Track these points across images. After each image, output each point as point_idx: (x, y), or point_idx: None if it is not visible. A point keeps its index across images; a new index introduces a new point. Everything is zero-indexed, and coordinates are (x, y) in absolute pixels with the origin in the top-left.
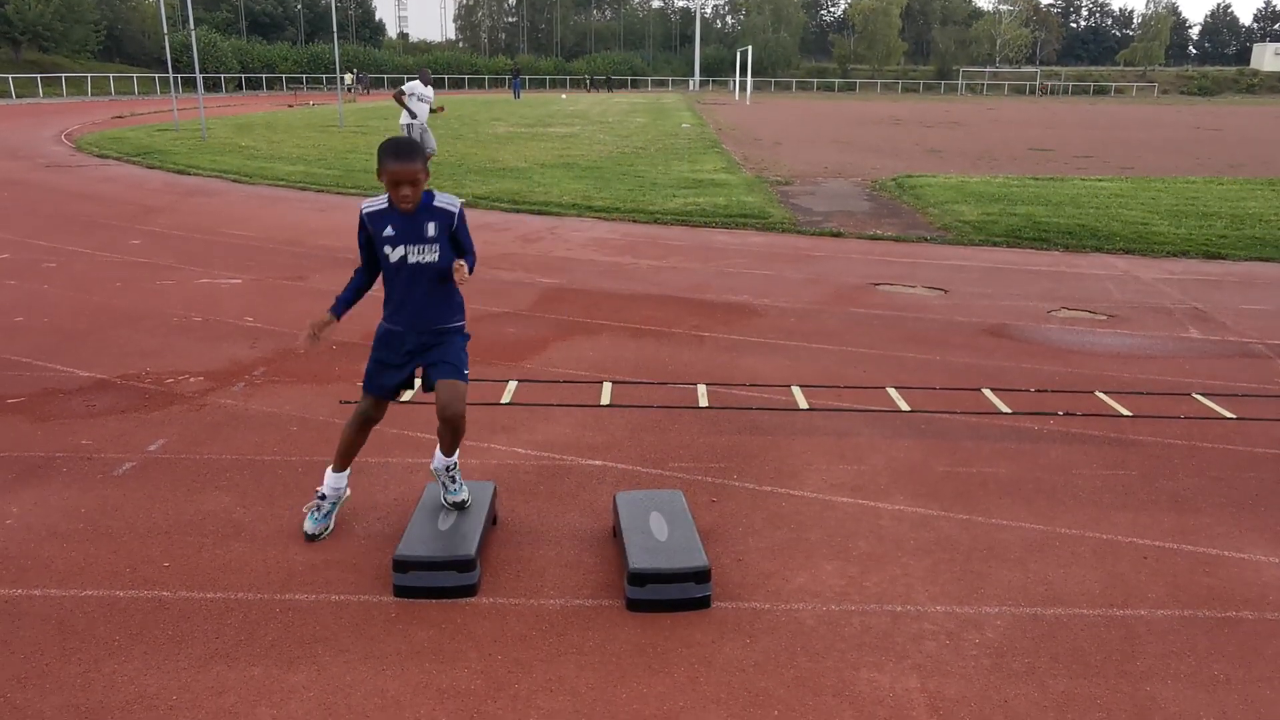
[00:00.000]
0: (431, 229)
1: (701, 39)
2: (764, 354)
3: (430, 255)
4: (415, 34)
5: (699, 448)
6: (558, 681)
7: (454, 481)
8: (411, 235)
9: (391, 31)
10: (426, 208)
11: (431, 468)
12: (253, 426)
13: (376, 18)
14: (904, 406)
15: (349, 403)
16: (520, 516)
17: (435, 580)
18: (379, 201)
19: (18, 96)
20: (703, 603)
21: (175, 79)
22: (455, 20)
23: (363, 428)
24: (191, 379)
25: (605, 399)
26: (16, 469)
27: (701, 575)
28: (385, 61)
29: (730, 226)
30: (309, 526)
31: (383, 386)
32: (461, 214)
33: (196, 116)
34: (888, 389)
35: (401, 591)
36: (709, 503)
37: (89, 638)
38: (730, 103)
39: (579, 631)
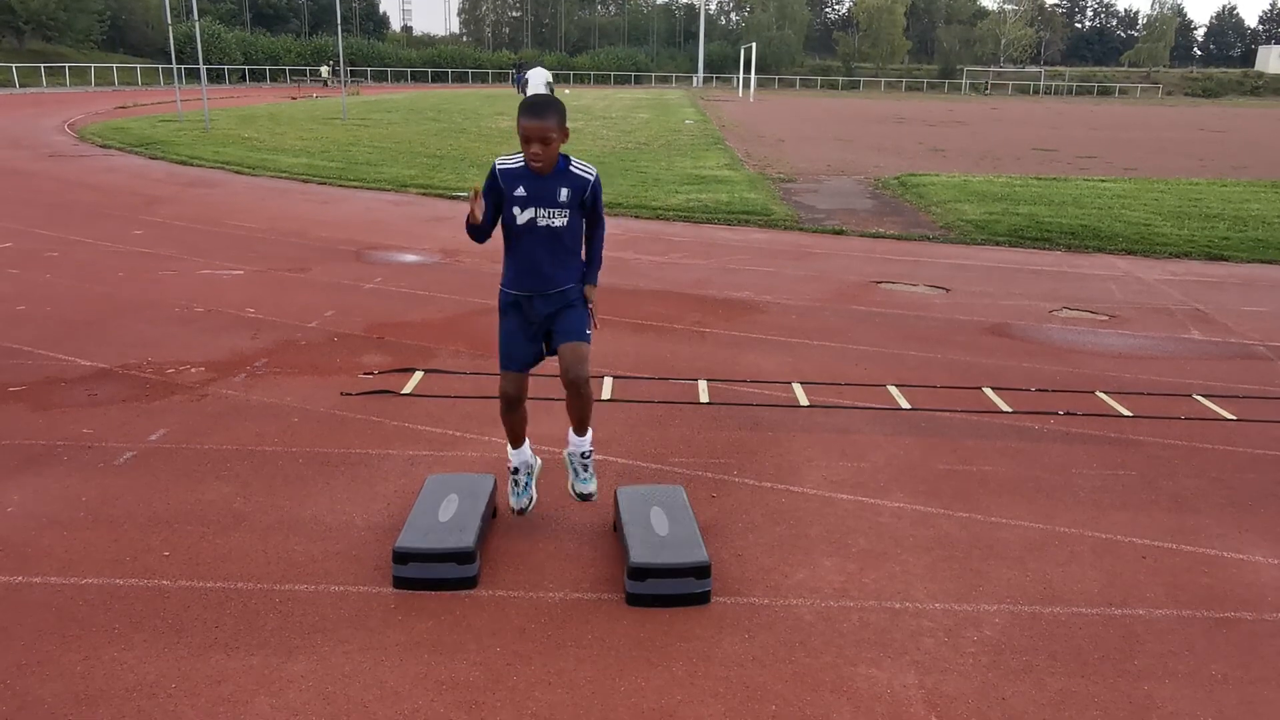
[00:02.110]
0: (564, 194)
1: (705, 35)
2: (765, 350)
3: (559, 219)
4: (419, 28)
5: (699, 443)
6: (556, 674)
7: (585, 470)
8: (543, 198)
9: (395, 25)
10: (562, 172)
11: (565, 453)
12: (254, 417)
13: (380, 11)
14: (904, 404)
15: (349, 394)
16: None
17: (434, 572)
18: (515, 159)
19: (21, 86)
20: (703, 598)
21: (179, 70)
22: (459, 14)
23: (512, 409)
24: (193, 369)
25: (606, 394)
26: (18, 457)
27: (702, 571)
28: (388, 55)
29: (733, 223)
30: (514, 503)
31: (519, 360)
32: (597, 182)
33: (200, 107)
34: (888, 387)
35: (401, 583)
36: (709, 498)
37: (89, 625)
38: (734, 99)
39: (578, 625)
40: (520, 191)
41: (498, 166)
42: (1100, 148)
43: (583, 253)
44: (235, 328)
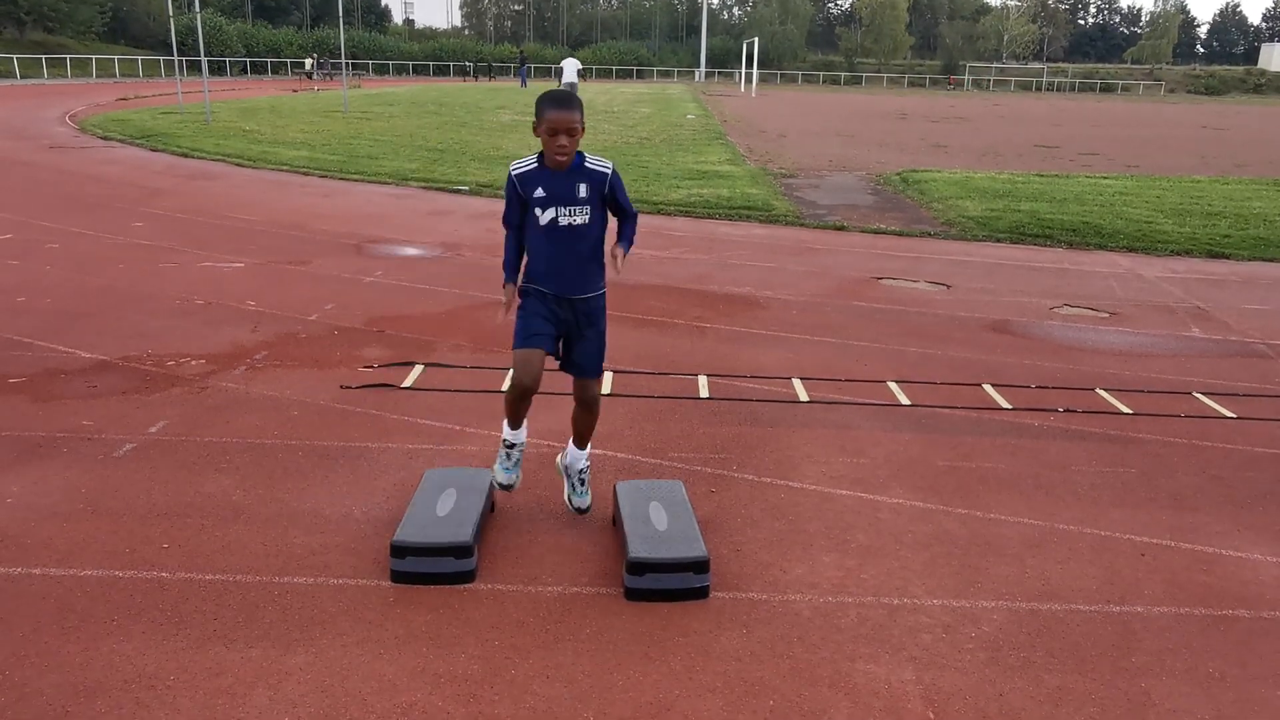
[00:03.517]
0: (583, 190)
1: (708, 30)
2: (766, 346)
3: (581, 217)
4: (421, 20)
5: (699, 438)
6: (554, 668)
7: (582, 484)
8: (563, 196)
9: (397, 18)
10: (578, 168)
11: (563, 463)
12: (253, 410)
13: (382, 3)
14: (905, 400)
15: (349, 387)
16: (519, 504)
17: (433, 566)
18: (528, 162)
19: (22, 77)
20: (701, 593)
21: (180, 62)
22: (461, 7)
23: (523, 397)
24: (193, 362)
25: (606, 388)
26: (18, 448)
27: (700, 566)
28: (390, 48)
29: (734, 218)
30: (502, 477)
31: (539, 335)
32: (615, 175)
33: (201, 99)
34: (889, 383)
35: (399, 577)
36: (708, 493)
37: (88, 617)
38: (736, 94)
39: (576, 619)
40: (539, 192)
41: (513, 173)
42: (1102, 145)
43: (608, 249)
44: (235, 320)
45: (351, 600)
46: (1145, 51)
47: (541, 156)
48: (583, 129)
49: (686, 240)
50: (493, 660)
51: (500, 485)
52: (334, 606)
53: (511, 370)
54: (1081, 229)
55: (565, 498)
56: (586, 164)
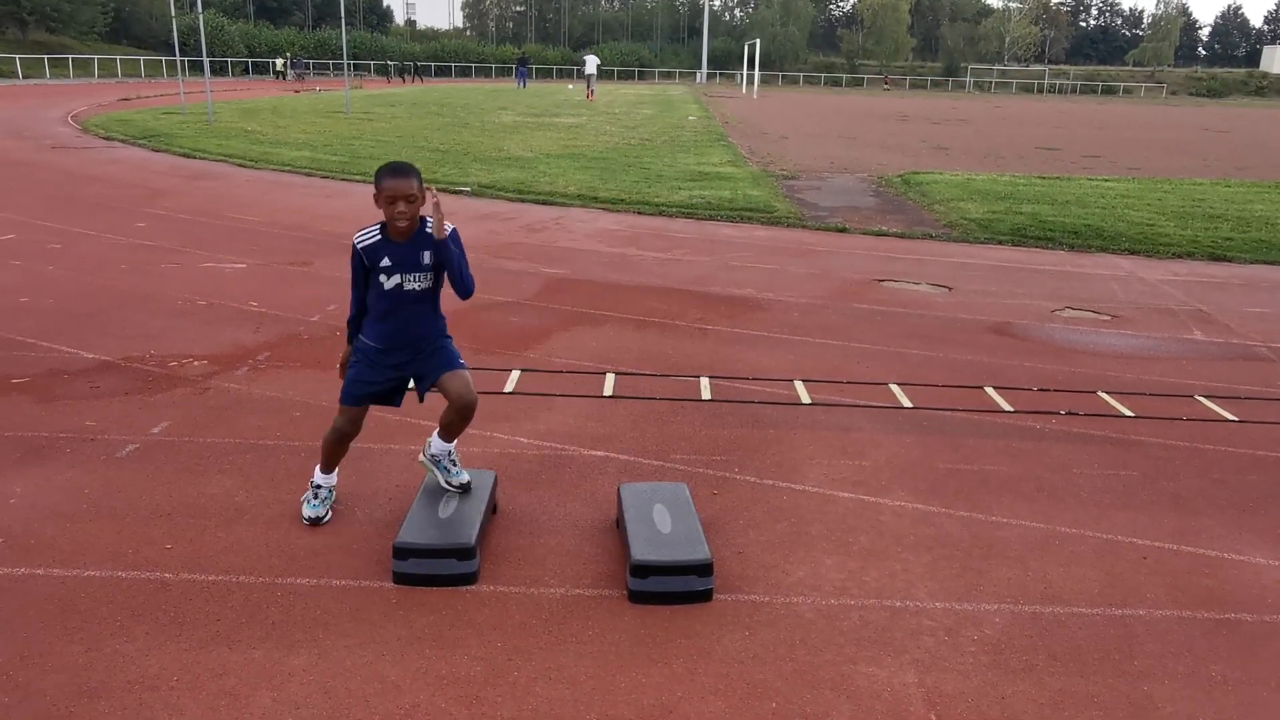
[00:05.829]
0: (426, 257)
1: (709, 31)
2: (767, 348)
3: (425, 282)
4: (423, 21)
5: (701, 440)
6: (557, 670)
7: (455, 465)
8: (407, 264)
9: (399, 18)
10: (420, 235)
11: (429, 454)
12: (256, 411)
13: (384, 4)
14: (906, 403)
15: None
16: (521, 506)
17: (435, 568)
18: (371, 233)
19: (24, 77)
20: (704, 596)
21: (182, 62)
22: (463, 8)
23: (341, 442)
24: (195, 362)
25: (608, 390)
26: (21, 449)
27: (704, 569)
28: (391, 48)
29: (735, 220)
30: (308, 511)
31: (361, 399)
32: (454, 235)
33: (203, 100)
34: (890, 385)
35: (401, 578)
36: (710, 495)
37: (91, 617)
38: (737, 96)
39: (579, 621)
40: (386, 261)
41: (357, 245)
42: (1104, 147)
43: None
44: (238, 321)
45: (354, 602)
46: (1147, 54)
47: (384, 226)
48: (422, 195)
49: (688, 242)
50: (495, 662)
51: (306, 519)
52: (336, 608)
53: (336, 420)
54: (1083, 231)
55: (443, 484)
56: (427, 229)
